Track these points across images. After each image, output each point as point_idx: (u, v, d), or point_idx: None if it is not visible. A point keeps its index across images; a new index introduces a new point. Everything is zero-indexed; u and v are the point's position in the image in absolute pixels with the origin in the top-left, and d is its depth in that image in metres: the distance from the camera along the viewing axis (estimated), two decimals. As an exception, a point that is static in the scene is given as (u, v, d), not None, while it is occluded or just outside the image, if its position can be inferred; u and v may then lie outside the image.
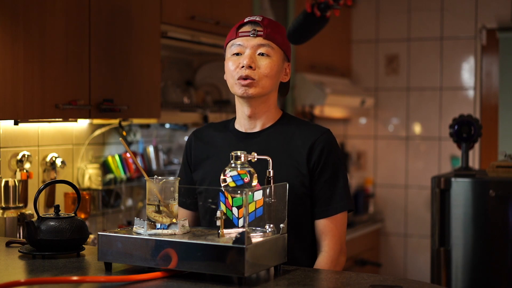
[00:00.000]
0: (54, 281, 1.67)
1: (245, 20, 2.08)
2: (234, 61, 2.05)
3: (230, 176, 1.81)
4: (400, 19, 4.90)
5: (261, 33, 2.04)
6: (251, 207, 1.99)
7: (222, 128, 2.18)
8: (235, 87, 2.05)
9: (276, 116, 2.13)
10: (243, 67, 2.03)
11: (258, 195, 1.95)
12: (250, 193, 1.78)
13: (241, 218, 1.98)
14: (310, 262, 2.08)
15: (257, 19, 2.06)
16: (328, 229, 2.05)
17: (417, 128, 4.88)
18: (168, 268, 1.71)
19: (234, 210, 2.01)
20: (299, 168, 2.04)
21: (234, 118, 2.17)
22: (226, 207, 2.02)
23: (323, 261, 2.04)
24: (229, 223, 2.00)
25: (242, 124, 2.13)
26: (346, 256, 2.11)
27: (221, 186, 1.98)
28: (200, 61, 3.78)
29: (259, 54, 2.04)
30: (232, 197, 1.98)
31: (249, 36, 2.05)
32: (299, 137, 2.07)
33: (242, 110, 2.11)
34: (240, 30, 2.07)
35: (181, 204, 2.18)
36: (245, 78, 2.02)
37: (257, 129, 2.11)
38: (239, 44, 2.06)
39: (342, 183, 2.06)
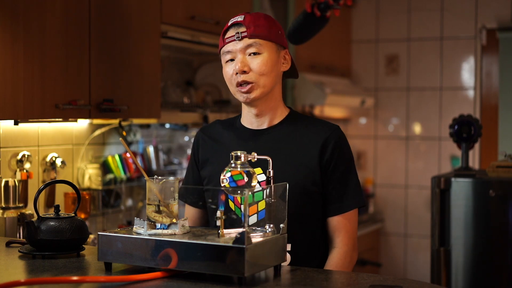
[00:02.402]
0: (54, 281, 1.67)
1: (228, 24, 2.06)
2: (230, 68, 2.04)
3: (227, 177, 1.79)
4: (400, 19, 4.90)
5: (245, 34, 2.01)
6: (253, 209, 1.98)
7: (229, 126, 2.16)
8: (237, 94, 2.05)
9: (284, 113, 2.11)
10: (237, 73, 2.02)
11: (259, 196, 1.94)
12: (249, 193, 1.77)
13: (251, 216, 1.96)
14: (319, 260, 2.07)
15: (239, 19, 2.03)
16: (341, 225, 2.05)
17: (417, 128, 4.88)
18: (168, 268, 1.71)
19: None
20: (310, 166, 2.02)
21: (240, 115, 2.16)
22: (235, 205, 2.02)
23: (336, 256, 2.03)
24: (239, 221, 1.99)
25: (249, 121, 2.11)
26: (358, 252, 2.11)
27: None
28: (200, 61, 3.78)
29: (250, 54, 2.02)
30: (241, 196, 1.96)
31: (234, 40, 2.02)
32: (309, 135, 2.05)
33: (248, 110, 2.09)
34: (226, 36, 2.05)
35: (190, 203, 2.19)
36: (242, 83, 2.01)
37: (264, 126, 2.09)
38: (229, 51, 2.04)
39: (355, 180, 2.06)
